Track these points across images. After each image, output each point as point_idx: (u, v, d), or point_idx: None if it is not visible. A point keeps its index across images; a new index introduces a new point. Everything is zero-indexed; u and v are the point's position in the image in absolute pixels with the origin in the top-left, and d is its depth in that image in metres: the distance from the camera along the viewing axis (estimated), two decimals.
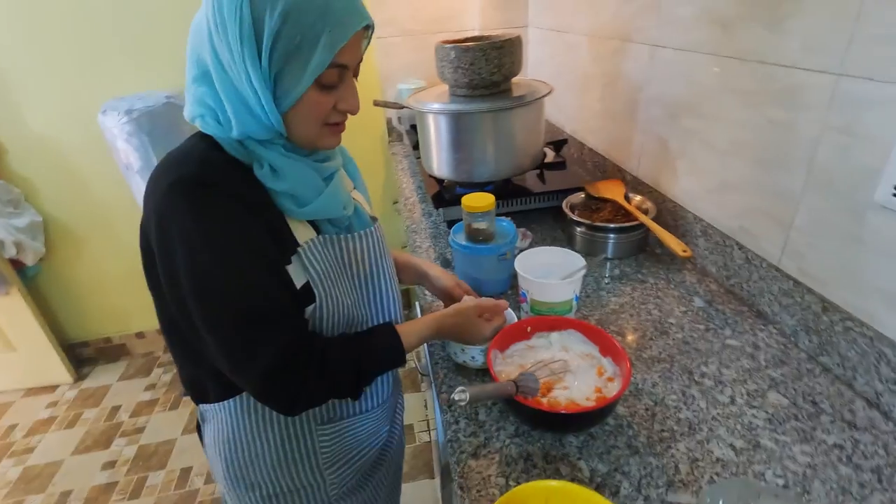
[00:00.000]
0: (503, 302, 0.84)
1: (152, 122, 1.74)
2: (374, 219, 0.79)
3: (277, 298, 0.61)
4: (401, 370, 1.85)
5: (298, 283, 0.65)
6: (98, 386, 2.42)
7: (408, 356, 0.74)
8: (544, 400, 0.70)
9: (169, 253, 0.58)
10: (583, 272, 0.88)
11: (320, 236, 0.68)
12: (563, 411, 0.66)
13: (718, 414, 0.73)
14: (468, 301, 0.83)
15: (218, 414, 0.73)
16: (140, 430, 2.14)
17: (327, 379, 0.64)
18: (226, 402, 0.71)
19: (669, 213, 1.18)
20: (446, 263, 1.16)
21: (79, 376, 2.48)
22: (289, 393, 0.62)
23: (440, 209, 1.30)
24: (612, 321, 0.95)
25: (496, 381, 0.69)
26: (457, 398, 0.61)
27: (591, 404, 0.69)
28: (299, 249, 0.65)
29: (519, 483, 0.63)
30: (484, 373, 0.84)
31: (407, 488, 1.74)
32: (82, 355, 2.55)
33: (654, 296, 1.01)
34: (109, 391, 2.38)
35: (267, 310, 0.59)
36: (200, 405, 0.76)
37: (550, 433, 0.72)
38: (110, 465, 1.99)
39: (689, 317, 0.95)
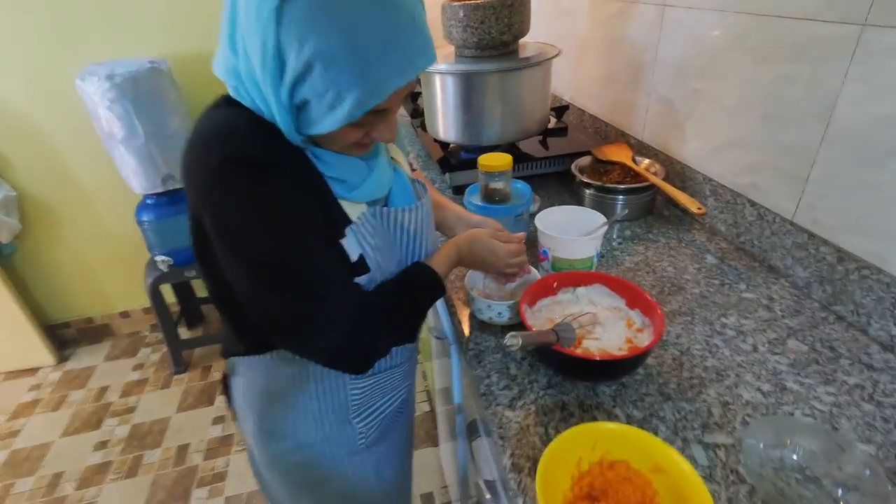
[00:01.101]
0: (520, 235, 0.85)
1: (136, 88, 1.65)
2: (417, 185, 0.78)
3: (340, 271, 0.62)
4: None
5: (353, 256, 0.64)
6: (83, 367, 2.35)
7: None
8: (578, 350, 0.71)
9: (227, 231, 0.55)
10: (605, 228, 0.88)
11: (370, 208, 0.67)
12: (603, 358, 0.67)
13: (743, 361, 0.75)
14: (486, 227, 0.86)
15: (254, 367, 0.72)
16: (131, 409, 2.09)
17: (394, 329, 0.66)
18: (262, 355, 0.71)
19: (677, 175, 1.19)
20: None
21: (61, 358, 2.40)
22: (364, 355, 0.65)
23: (447, 174, 1.28)
24: (629, 278, 0.96)
25: (527, 327, 0.69)
26: (508, 343, 0.61)
27: (623, 353, 0.70)
28: (353, 225, 0.64)
29: (559, 432, 0.64)
30: (507, 330, 0.85)
31: None
32: (64, 336, 2.47)
33: (668, 254, 1.03)
34: (95, 372, 2.32)
35: (333, 283, 0.61)
36: (232, 358, 0.75)
37: (585, 383, 0.73)
38: (102, 444, 1.94)
39: (703, 273, 0.96)
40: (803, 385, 0.70)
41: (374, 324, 0.64)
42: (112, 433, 1.99)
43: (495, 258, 0.79)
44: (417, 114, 1.66)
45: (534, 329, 0.73)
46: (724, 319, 0.84)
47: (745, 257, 1.00)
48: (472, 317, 0.88)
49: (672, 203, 1.21)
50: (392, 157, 0.74)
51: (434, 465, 1.75)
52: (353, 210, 0.64)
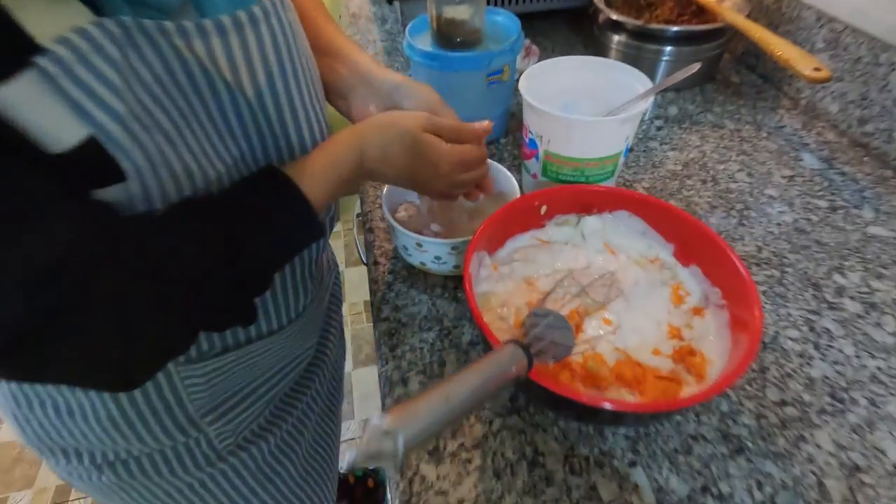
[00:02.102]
0: (481, 124, 0.44)
1: None
2: None
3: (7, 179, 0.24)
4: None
5: (61, 137, 0.25)
6: None
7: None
8: (577, 353, 0.35)
9: None
10: (648, 101, 0.47)
11: (111, 20, 0.25)
12: (617, 407, 0.31)
13: (882, 369, 0.40)
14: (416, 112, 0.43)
15: None
16: None
17: (198, 310, 0.31)
18: None
19: (769, 12, 0.72)
20: None
21: None
22: (107, 366, 0.28)
23: (395, 2, 0.81)
24: (672, 193, 0.57)
25: (486, 332, 0.32)
26: (366, 452, 0.20)
27: (664, 364, 0.35)
28: (48, 57, 0.24)
29: None
30: (453, 284, 0.48)
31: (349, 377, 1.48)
32: None
33: (738, 149, 0.62)
34: None
35: None
36: None
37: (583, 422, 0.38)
38: None
39: (798, 185, 0.57)
40: None
41: (131, 300, 0.27)
42: None
43: (431, 170, 0.40)
44: None
45: (488, 309, 0.36)
46: (839, 278, 0.47)
47: (872, 159, 0.59)
48: (397, 254, 0.51)
49: (748, 63, 0.77)
50: None
51: None
52: (44, 23, 0.24)
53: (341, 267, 1.74)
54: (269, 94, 0.34)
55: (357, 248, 0.63)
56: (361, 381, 1.42)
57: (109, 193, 0.28)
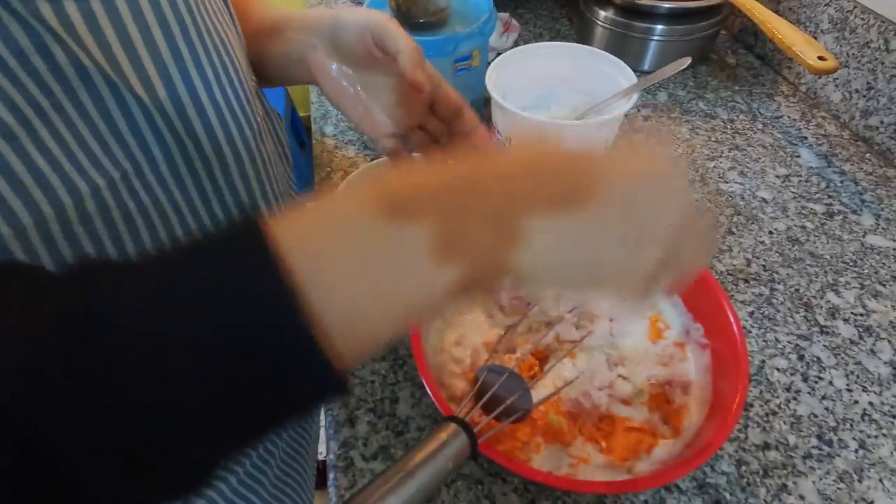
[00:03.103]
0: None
1: None
2: None
3: None
4: None
5: None
6: None
7: None
8: (533, 394, 0.31)
9: None
10: (632, 99, 0.41)
11: None
12: (576, 489, 0.27)
13: (874, 404, 0.37)
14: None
15: None
16: None
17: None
18: None
19: None
20: None
21: None
22: None
23: None
24: None
25: (434, 396, 0.27)
26: None
27: (637, 412, 0.31)
28: None
29: None
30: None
31: None
32: None
33: (730, 143, 0.57)
34: None
35: None
36: None
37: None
38: None
39: (794, 186, 0.52)
40: None
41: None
42: None
43: None
44: None
45: (440, 360, 0.32)
46: (832, 296, 0.43)
47: (873, 156, 0.55)
48: None
49: (746, 41, 0.71)
50: None
51: None
52: None
53: None
54: (162, 83, 0.26)
55: None
56: None
57: None
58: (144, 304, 0.16)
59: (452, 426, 0.22)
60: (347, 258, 0.17)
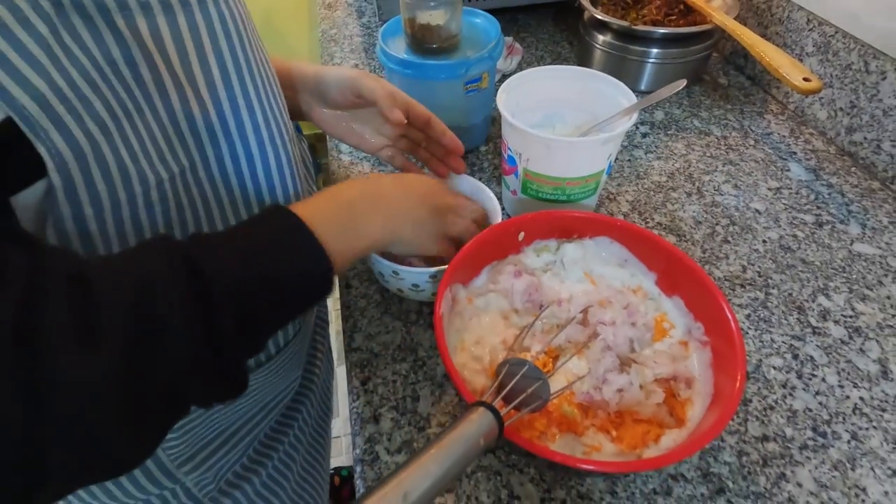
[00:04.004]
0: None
1: None
2: None
3: None
4: None
5: None
6: None
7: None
8: (553, 395, 0.33)
9: None
10: (631, 118, 0.45)
11: None
12: (591, 467, 0.29)
13: (865, 399, 0.40)
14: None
15: None
16: None
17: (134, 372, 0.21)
18: None
19: (759, 13, 0.70)
20: None
21: None
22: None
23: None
24: (657, 207, 0.55)
25: (461, 390, 0.30)
26: None
27: (646, 407, 0.34)
28: None
29: None
30: (428, 310, 0.46)
31: None
32: None
33: (724, 158, 0.61)
34: None
35: None
36: None
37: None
38: None
39: (785, 198, 0.56)
40: None
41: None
42: None
43: (433, 243, 0.41)
44: None
45: (461, 359, 0.35)
46: (823, 300, 0.46)
47: (858, 169, 0.58)
48: (372, 277, 0.49)
49: (736, 63, 0.75)
50: None
51: None
52: None
53: None
54: (225, 92, 0.31)
55: None
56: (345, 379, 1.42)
57: (31, 196, 0.25)
58: (233, 256, 0.26)
59: (481, 408, 0.25)
60: (335, 225, 0.31)
